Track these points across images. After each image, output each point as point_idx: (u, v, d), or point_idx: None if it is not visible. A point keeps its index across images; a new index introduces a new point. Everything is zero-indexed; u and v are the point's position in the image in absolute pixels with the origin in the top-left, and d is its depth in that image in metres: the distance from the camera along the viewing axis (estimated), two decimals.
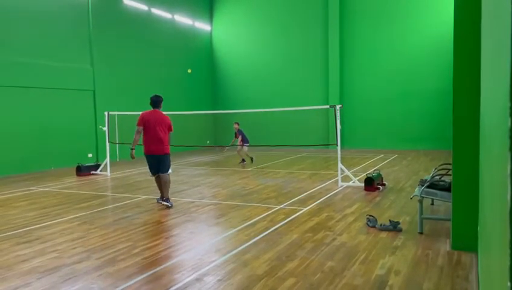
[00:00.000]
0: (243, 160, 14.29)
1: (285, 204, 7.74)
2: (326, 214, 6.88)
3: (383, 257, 4.81)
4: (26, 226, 6.54)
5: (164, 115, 7.85)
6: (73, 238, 5.83)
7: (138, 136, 7.73)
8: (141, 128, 7.63)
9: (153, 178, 8.11)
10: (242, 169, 12.93)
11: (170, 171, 8.05)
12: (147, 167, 7.97)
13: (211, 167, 13.52)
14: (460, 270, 4.39)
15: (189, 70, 10.78)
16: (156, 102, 7.80)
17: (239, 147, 14.12)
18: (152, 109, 7.80)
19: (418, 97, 18.14)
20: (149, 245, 5.43)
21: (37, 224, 6.68)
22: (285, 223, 6.40)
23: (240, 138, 13.94)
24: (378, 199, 8.08)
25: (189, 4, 20.92)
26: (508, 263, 0.96)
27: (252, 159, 14.45)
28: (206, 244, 5.46)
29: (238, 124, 14.26)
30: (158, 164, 7.71)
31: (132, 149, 7.81)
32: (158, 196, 8.08)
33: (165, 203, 7.69)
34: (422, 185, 5.99)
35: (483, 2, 3.33)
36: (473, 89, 4.60)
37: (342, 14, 19.50)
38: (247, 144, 14.04)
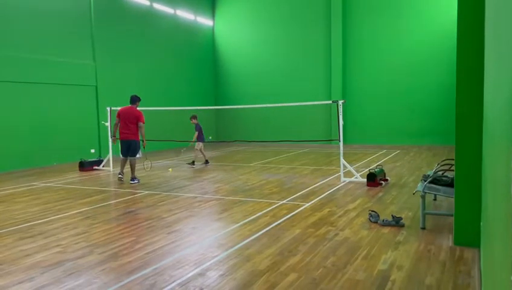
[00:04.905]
0: (193, 162, 12.75)
1: (287, 199, 7.75)
2: (328, 210, 6.89)
3: (386, 252, 4.81)
4: (29, 221, 6.57)
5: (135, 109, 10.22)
6: (76, 233, 5.85)
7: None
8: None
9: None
10: (244, 164, 12.92)
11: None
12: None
13: (213, 162, 13.52)
14: (462, 265, 4.39)
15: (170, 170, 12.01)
16: (133, 100, 10.29)
17: (198, 144, 12.81)
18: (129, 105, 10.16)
19: (421, 92, 18.06)
20: (152, 240, 5.45)
21: (40, 219, 6.72)
22: (288, 218, 6.41)
23: (196, 134, 12.77)
24: (380, 194, 8.08)
25: None
26: (511, 258, 0.96)
27: (193, 161, 12.76)
28: (208, 240, 5.48)
29: (196, 118, 12.91)
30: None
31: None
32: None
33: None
34: (425, 181, 5.98)
35: None
36: (476, 84, 4.58)
37: (345, 8, 19.40)
38: (202, 142, 12.85)
